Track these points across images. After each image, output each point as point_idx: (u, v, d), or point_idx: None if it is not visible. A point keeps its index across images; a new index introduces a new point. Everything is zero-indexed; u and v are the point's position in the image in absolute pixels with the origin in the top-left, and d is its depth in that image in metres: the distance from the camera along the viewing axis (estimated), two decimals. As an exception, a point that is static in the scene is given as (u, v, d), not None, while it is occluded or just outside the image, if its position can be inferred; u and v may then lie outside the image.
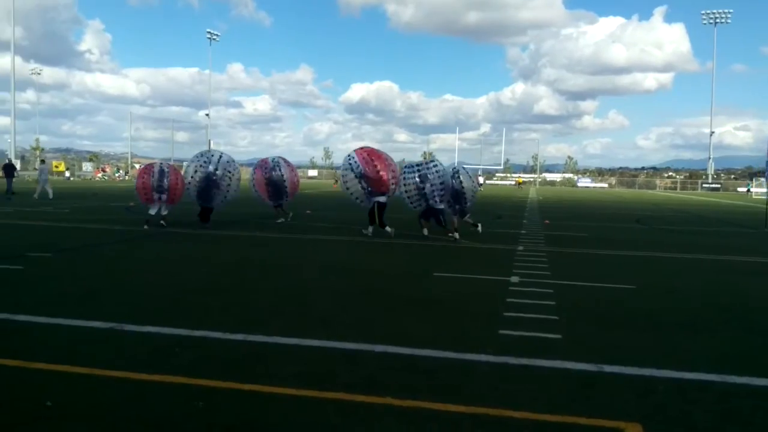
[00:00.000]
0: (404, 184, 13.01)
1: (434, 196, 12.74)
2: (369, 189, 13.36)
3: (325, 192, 43.24)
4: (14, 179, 28.32)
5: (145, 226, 13.67)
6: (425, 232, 13.14)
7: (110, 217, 16.88)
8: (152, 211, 13.92)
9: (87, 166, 77.96)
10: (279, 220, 16.30)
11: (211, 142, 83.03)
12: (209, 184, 14.23)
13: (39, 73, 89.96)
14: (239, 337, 5.17)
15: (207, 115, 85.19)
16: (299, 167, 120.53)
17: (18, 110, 56.05)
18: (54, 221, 15.20)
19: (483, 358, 4.79)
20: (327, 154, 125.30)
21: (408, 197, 13.00)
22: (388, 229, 13.17)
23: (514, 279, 8.30)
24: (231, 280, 8.02)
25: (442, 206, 12.92)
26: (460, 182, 13.41)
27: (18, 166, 58.07)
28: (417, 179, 12.82)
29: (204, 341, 5.08)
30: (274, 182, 16.59)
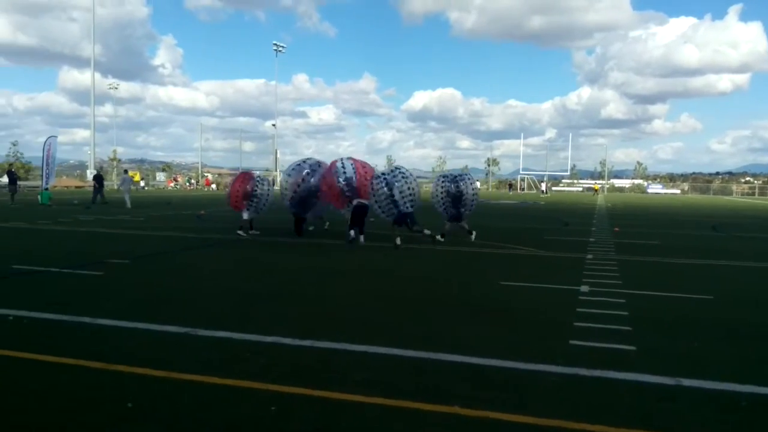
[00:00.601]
0: (374, 194, 13.15)
1: (405, 202, 12.92)
2: (349, 194, 13.79)
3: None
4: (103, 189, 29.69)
5: (239, 232, 14.18)
6: (398, 241, 12.76)
7: (183, 225, 17.46)
8: (246, 216, 14.39)
9: (160, 176, 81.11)
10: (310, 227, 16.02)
11: (278, 151, 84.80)
12: (309, 195, 14.55)
13: (116, 88, 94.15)
14: (307, 343, 5.25)
15: (273, 125, 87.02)
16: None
17: (97, 123, 58.97)
18: (131, 229, 15.86)
19: (553, 368, 4.70)
20: (390, 163, 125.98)
21: (379, 206, 13.10)
22: (352, 233, 13.25)
23: (584, 288, 8.10)
24: (299, 287, 8.16)
25: (411, 210, 13.04)
26: (458, 188, 13.90)
27: (97, 176, 60.91)
28: (385, 188, 12.98)
29: (274, 347, 5.18)
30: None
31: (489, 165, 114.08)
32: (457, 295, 7.77)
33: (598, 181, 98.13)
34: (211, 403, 3.90)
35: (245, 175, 14.88)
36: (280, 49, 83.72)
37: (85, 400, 3.92)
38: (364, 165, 14.49)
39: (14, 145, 75.28)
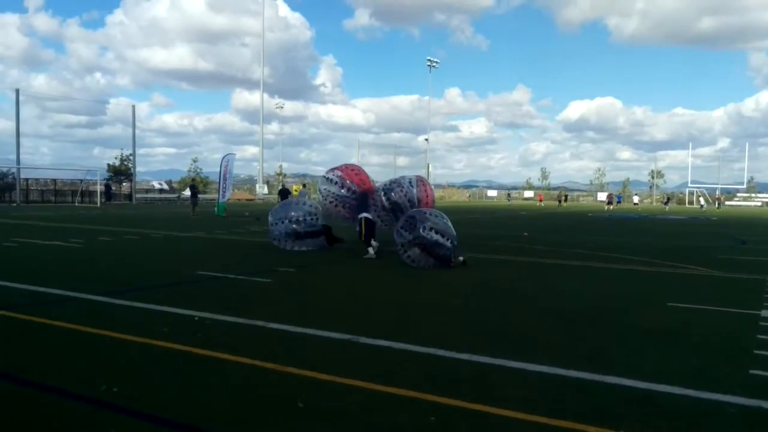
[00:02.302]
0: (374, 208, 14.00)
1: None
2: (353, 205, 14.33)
3: (539, 212, 42.31)
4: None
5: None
6: (374, 246, 13.00)
7: (344, 236, 18.17)
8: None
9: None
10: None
11: (430, 165, 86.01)
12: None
13: (281, 107, 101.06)
14: (465, 356, 5.29)
15: (426, 139, 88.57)
16: (514, 188, 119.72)
17: (264, 140, 63.59)
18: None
19: (730, 399, 4.33)
20: (544, 175, 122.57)
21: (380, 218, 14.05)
22: (374, 245, 13.03)
23: (766, 313, 7.36)
24: (459, 300, 8.25)
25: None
26: (389, 199, 14.11)
27: (265, 190, 65.64)
28: (384, 199, 13.82)
29: (432, 357, 5.28)
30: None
31: (653, 177, 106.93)
32: (618, 314, 7.40)
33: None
34: (374, 408, 4.07)
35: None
36: (434, 64, 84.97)
37: (262, 397, 4.26)
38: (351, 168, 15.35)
39: (194, 161, 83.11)
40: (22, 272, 9.78)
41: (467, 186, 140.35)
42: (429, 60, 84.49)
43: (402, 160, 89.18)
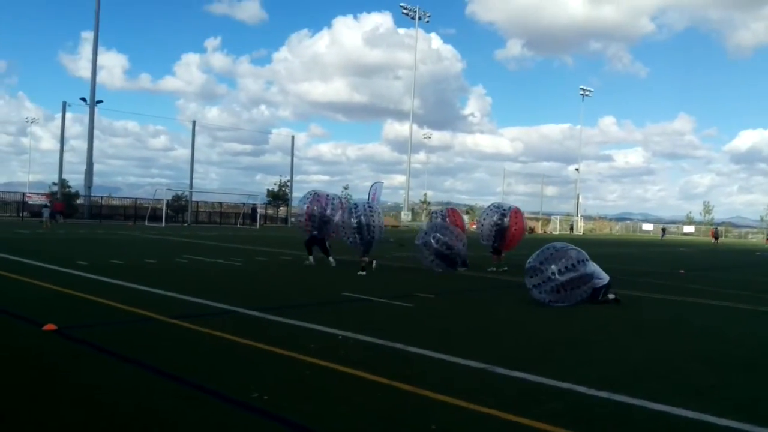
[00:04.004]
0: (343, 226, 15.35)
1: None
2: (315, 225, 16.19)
3: (699, 248, 39.15)
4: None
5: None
6: (311, 260, 16.02)
7: (484, 264, 18.11)
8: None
9: (464, 218, 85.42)
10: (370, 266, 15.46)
11: (580, 196, 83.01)
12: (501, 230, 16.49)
13: (429, 138, 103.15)
14: (603, 394, 5.13)
15: (577, 169, 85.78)
16: (673, 222, 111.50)
17: (411, 169, 65.17)
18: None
19: None
20: (707, 209, 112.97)
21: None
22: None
23: None
24: (603, 337, 7.98)
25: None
26: (359, 221, 14.87)
27: (410, 217, 66.94)
28: (353, 221, 14.90)
29: (568, 393, 5.18)
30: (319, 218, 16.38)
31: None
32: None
33: None
34: (505, 437, 4.09)
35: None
36: (587, 93, 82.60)
37: (397, 418, 4.44)
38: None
39: (345, 188, 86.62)
40: (191, 286, 10.85)
41: (620, 218, 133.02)
42: (582, 88, 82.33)
43: (550, 190, 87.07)
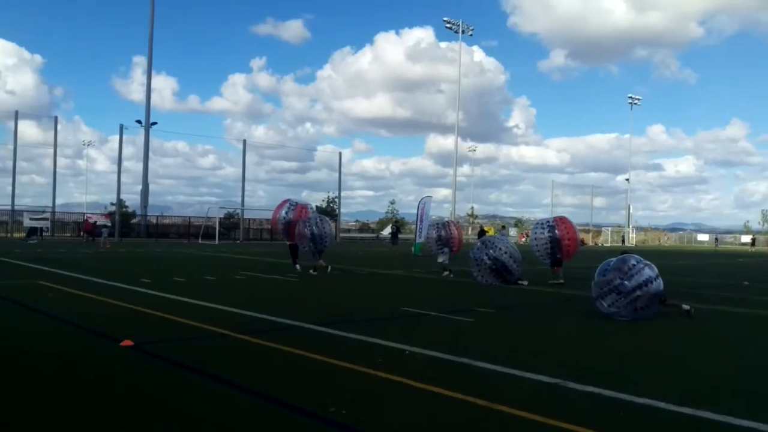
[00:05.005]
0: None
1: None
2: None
3: (761, 259, 37.72)
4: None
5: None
6: (298, 267, 18.08)
7: (541, 279, 17.83)
8: (440, 260, 17.82)
9: (512, 231, 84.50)
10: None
11: (630, 206, 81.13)
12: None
13: (474, 150, 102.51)
14: (686, 410, 5.02)
15: (626, 179, 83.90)
16: (729, 232, 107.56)
17: (456, 182, 64.86)
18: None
19: None
20: (765, 217, 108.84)
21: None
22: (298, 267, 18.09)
23: None
24: (671, 349, 7.80)
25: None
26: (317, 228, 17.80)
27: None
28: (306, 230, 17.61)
29: (647, 408, 5.09)
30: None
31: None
32: None
33: None
34: (589, 453, 4.06)
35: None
36: (635, 101, 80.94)
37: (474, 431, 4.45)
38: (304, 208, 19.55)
39: (392, 203, 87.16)
40: (253, 302, 11.06)
41: (672, 229, 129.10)
42: (630, 97, 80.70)
43: (599, 201, 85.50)
